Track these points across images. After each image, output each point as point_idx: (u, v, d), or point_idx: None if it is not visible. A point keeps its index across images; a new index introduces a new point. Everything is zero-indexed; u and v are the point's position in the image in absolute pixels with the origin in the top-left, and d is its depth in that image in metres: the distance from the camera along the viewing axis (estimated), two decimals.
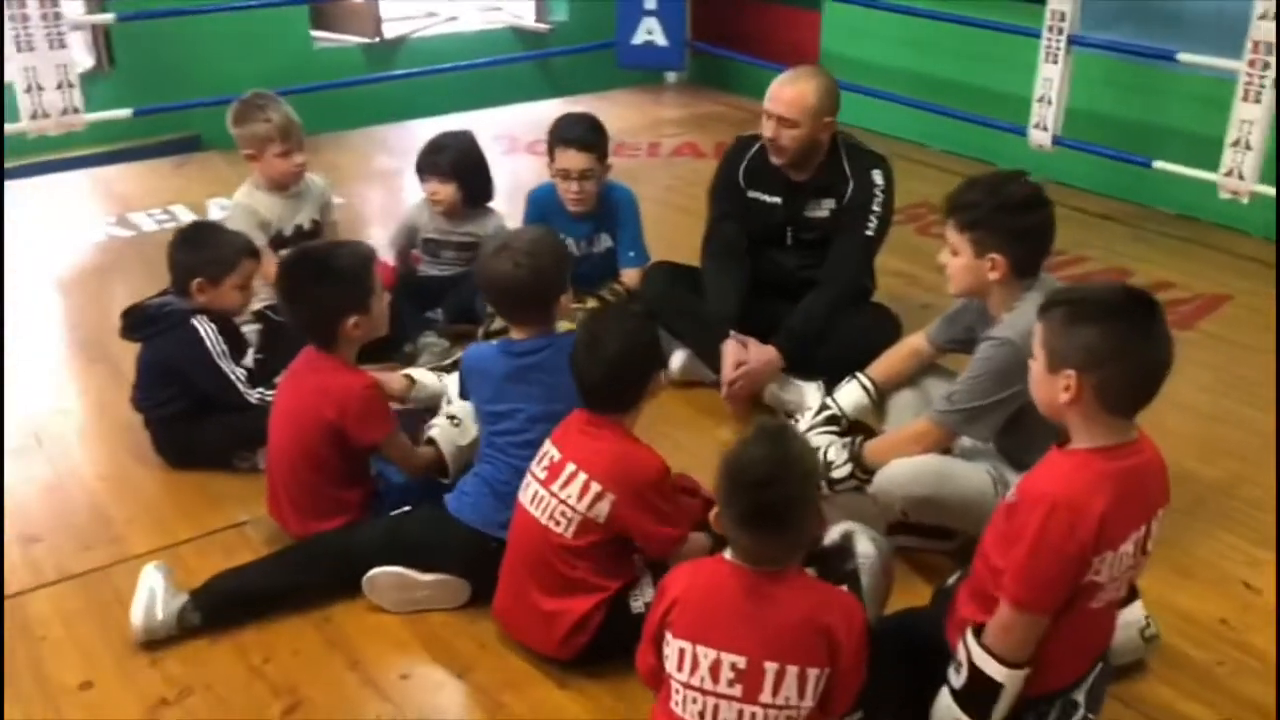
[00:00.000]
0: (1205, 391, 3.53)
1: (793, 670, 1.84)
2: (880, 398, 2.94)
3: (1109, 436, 1.88)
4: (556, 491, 2.28)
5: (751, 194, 3.47)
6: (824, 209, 3.41)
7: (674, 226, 4.30)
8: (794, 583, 1.91)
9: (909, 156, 5.64)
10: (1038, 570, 1.84)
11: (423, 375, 3.06)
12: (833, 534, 2.26)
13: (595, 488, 2.25)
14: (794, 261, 3.47)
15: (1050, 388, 1.90)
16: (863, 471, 2.66)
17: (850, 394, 2.96)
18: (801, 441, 1.99)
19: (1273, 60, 4.17)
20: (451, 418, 2.80)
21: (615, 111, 6.68)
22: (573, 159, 3.57)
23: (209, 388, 2.95)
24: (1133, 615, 2.30)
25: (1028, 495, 1.88)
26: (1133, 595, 2.30)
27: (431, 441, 2.77)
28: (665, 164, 5.78)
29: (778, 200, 3.44)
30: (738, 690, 1.85)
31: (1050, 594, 1.86)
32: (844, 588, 2.11)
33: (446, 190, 3.69)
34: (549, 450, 2.34)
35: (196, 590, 2.46)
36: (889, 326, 3.32)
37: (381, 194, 5.41)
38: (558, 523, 2.28)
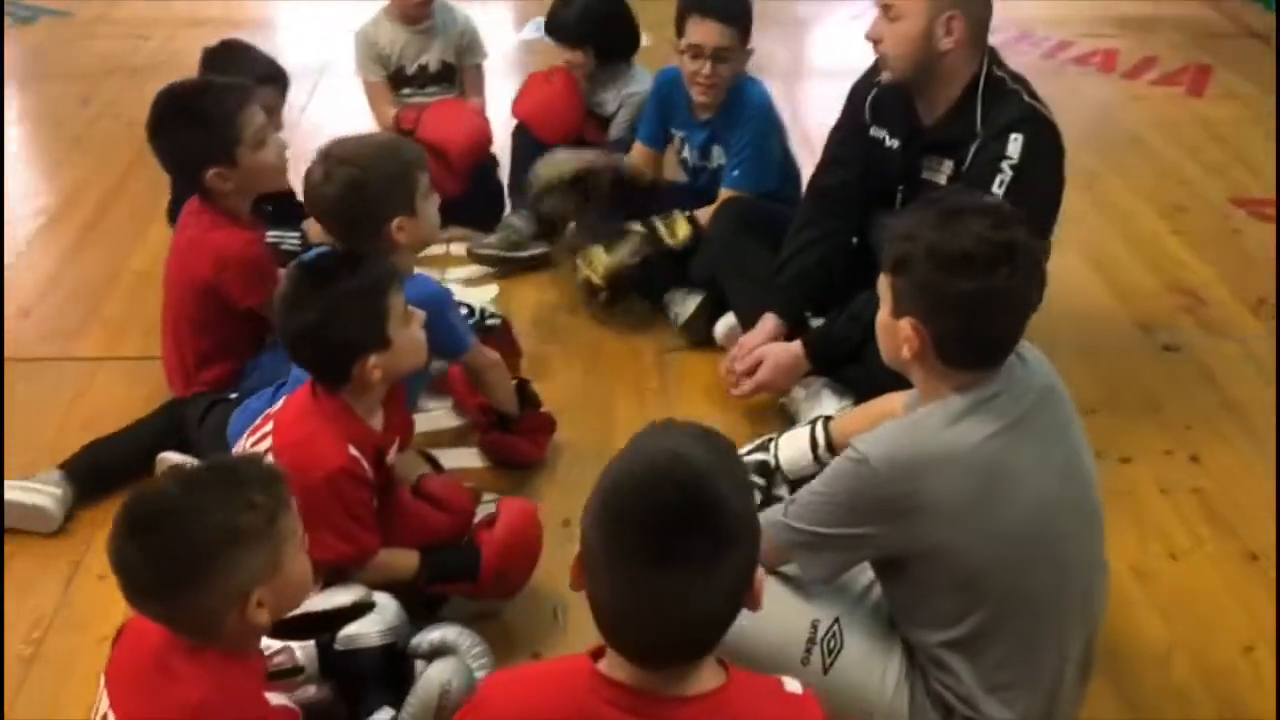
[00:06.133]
0: None
1: None
2: (834, 456, 2.13)
3: None
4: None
5: (874, 131, 2.58)
6: (942, 173, 2.44)
7: None
8: None
9: None
10: None
11: None
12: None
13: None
14: None
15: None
16: None
17: (794, 444, 2.20)
18: None
19: None
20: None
21: None
22: (708, 32, 2.80)
23: None
24: None
25: None
26: None
27: None
28: None
29: (895, 145, 2.53)
30: None
31: None
32: None
33: (576, 57, 3.16)
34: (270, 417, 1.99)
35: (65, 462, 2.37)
36: None
37: None
38: None
